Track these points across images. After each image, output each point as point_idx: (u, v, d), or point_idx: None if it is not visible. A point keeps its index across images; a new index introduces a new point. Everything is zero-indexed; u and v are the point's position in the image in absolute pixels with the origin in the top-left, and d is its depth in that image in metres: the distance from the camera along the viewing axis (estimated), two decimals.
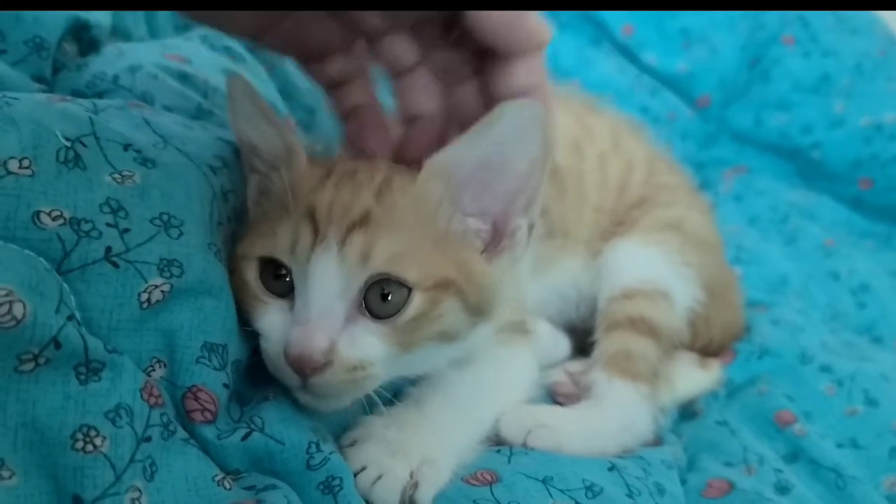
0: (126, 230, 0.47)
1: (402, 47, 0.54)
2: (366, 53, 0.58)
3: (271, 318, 0.53)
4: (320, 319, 0.50)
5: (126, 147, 0.50)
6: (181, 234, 0.50)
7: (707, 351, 0.90)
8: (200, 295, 0.50)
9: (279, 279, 0.53)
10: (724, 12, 1.52)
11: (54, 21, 0.69)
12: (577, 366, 0.78)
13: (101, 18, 0.75)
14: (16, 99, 0.49)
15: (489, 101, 0.53)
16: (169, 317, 0.48)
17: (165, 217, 0.50)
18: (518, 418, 0.64)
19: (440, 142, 0.55)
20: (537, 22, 0.51)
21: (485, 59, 0.53)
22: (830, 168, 1.46)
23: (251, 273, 0.54)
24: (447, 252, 0.54)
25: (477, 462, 0.57)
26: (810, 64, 1.50)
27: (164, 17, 0.90)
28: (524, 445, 0.63)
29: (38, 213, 0.44)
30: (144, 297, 0.47)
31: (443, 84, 0.57)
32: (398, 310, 0.51)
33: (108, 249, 0.46)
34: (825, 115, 1.47)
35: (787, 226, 1.33)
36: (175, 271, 0.49)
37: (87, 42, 0.74)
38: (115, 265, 0.46)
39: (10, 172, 0.44)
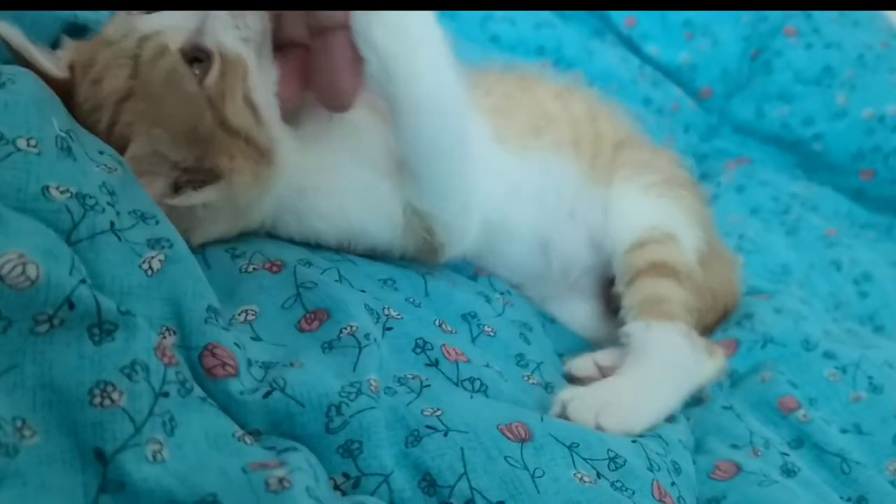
0: (118, 213, 0.50)
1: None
2: None
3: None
4: None
5: (101, 152, 0.54)
6: (157, 222, 0.53)
7: (709, 319, 0.91)
8: (192, 265, 0.52)
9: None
10: None
11: (50, 23, 0.69)
12: (607, 358, 0.78)
13: (100, 17, 0.75)
14: (14, 79, 0.50)
15: None
16: (171, 286, 0.50)
17: (139, 213, 0.52)
18: (584, 402, 0.65)
19: None
20: None
21: None
22: (832, 159, 1.47)
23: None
24: None
25: (515, 413, 0.57)
26: (812, 56, 1.50)
27: None
28: (598, 428, 0.63)
29: (46, 187, 0.45)
30: (146, 266, 0.49)
31: None
32: None
33: (112, 223, 0.48)
34: (827, 106, 1.47)
35: (789, 216, 1.33)
36: (164, 244, 0.52)
37: None
38: (119, 238, 0.48)
39: (19, 149, 0.45)
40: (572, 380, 0.76)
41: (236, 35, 0.59)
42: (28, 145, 0.46)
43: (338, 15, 0.58)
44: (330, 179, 0.68)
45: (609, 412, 0.64)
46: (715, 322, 0.94)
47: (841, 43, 1.49)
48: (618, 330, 0.79)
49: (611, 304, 0.86)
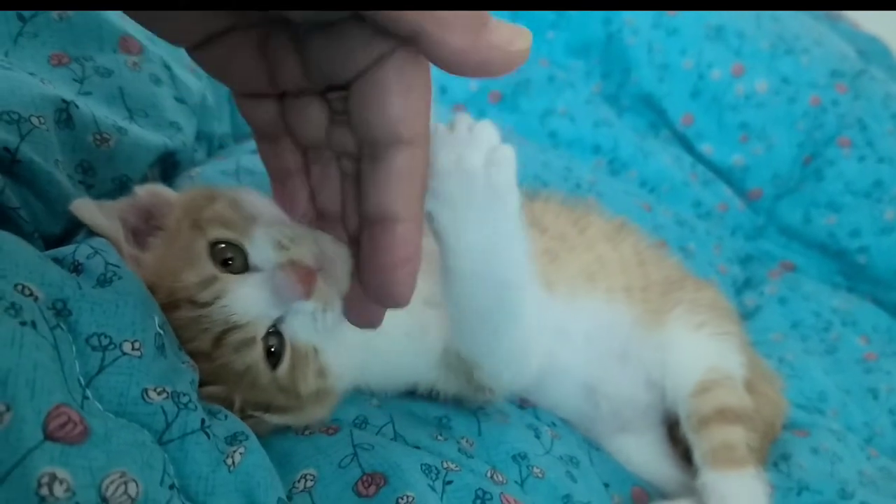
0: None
1: (315, 110, 0.51)
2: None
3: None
4: None
5: (180, 348, 0.57)
6: (226, 417, 0.56)
7: (765, 446, 0.94)
8: (263, 455, 0.54)
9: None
10: (786, 110, 1.52)
11: (144, 156, 0.73)
12: None
13: (187, 139, 0.79)
14: (119, 273, 0.53)
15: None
16: (246, 477, 0.52)
17: (206, 408, 0.55)
18: None
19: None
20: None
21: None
22: (875, 273, 1.48)
23: None
24: None
25: None
26: (864, 168, 1.50)
27: None
28: None
29: (146, 389, 0.48)
30: (230, 461, 0.51)
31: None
32: None
33: (203, 421, 0.51)
34: (875, 220, 1.48)
35: (829, 334, 1.34)
36: (241, 437, 0.54)
37: (170, 165, 0.79)
38: (208, 436, 0.50)
39: (124, 353, 0.48)
40: None
41: (313, 327, 0.59)
42: (133, 349, 0.48)
43: (389, 205, 0.48)
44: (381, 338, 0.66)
45: None
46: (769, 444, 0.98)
47: (893, 158, 1.49)
48: (669, 464, 0.87)
49: (672, 439, 0.91)
